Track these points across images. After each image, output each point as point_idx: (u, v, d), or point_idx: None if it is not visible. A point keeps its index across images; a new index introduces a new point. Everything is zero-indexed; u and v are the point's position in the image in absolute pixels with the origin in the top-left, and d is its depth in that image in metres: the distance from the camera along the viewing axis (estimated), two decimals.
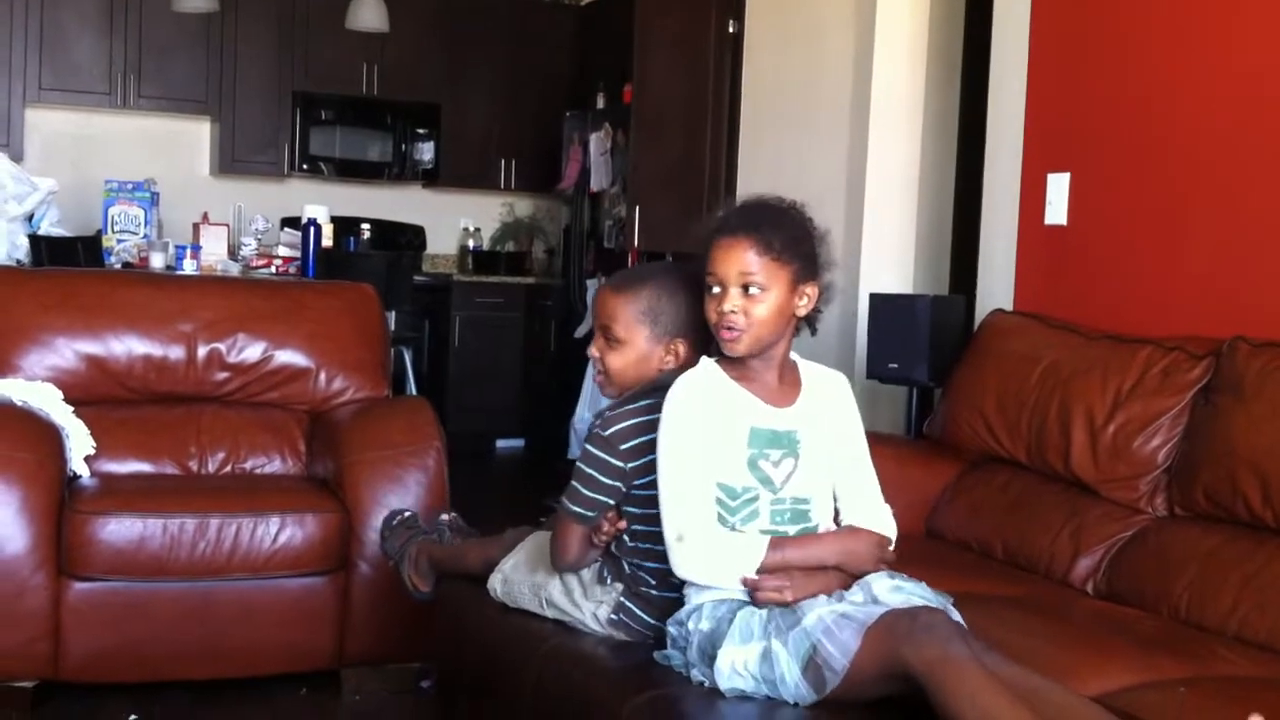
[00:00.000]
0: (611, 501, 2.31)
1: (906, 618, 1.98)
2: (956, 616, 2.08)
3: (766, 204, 2.25)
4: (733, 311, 2.15)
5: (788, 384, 2.25)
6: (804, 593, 2.11)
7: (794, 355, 2.29)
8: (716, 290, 2.18)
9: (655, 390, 2.30)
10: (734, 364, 2.22)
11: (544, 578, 2.48)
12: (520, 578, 2.54)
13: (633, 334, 2.36)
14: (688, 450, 2.17)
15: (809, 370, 2.30)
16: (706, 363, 2.24)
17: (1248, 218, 3.24)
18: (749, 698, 2.08)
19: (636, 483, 2.28)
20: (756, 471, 2.19)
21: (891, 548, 2.28)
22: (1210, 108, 3.35)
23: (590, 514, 2.32)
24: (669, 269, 2.48)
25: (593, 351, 2.42)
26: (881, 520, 2.28)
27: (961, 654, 1.90)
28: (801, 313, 2.21)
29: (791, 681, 2.03)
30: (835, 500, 2.29)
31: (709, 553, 2.15)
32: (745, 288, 2.15)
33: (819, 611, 2.05)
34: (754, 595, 2.13)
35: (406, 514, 3.04)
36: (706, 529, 2.16)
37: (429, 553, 2.87)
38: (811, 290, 2.21)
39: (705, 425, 2.18)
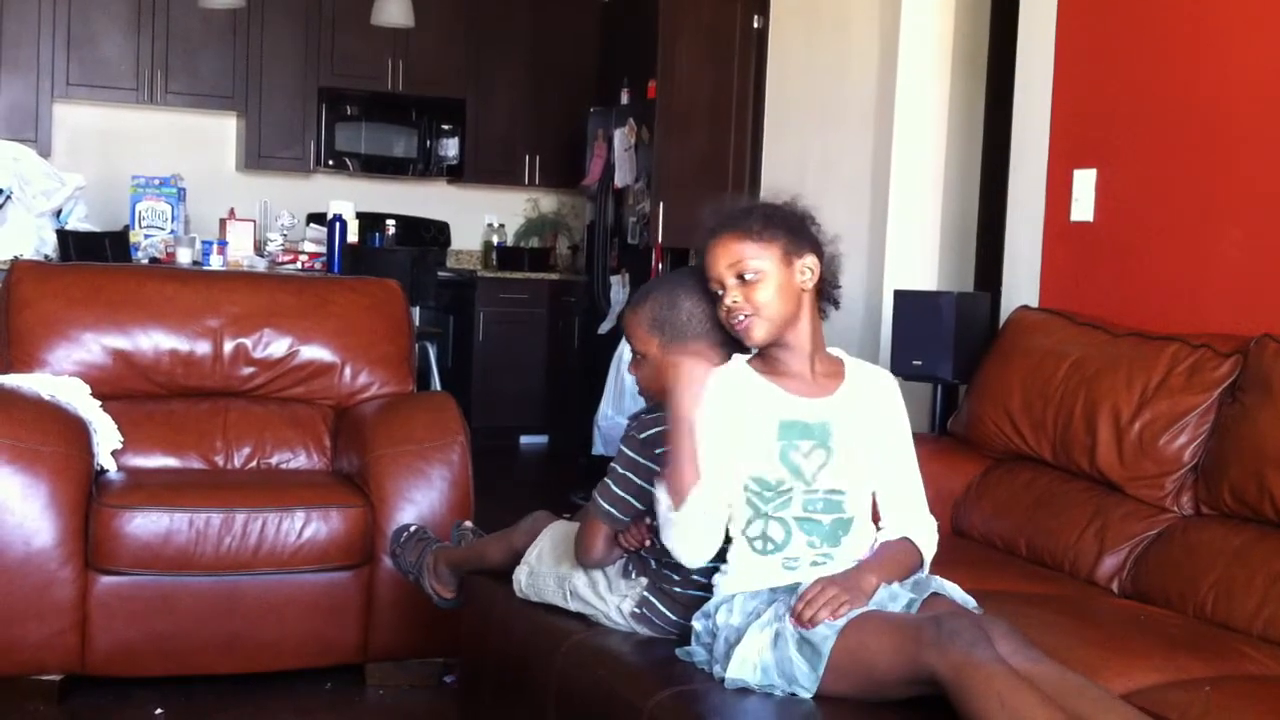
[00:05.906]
0: (641, 506, 2.32)
1: (931, 624, 1.98)
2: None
3: (735, 202, 2.32)
4: (735, 303, 2.20)
5: (825, 375, 2.25)
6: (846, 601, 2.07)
7: (839, 351, 2.30)
8: (719, 292, 2.23)
9: None
10: (763, 359, 2.24)
11: (568, 569, 2.50)
12: (546, 570, 2.55)
13: (648, 346, 2.39)
14: (702, 439, 2.18)
15: (856, 367, 2.30)
16: (737, 359, 2.26)
17: (1275, 213, 3.21)
18: (769, 694, 2.08)
19: None
20: (788, 463, 2.19)
21: (927, 563, 2.27)
22: (1237, 103, 3.32)
23: (619, 515, 2.34)
24: (669, 278, 2.53)
25: (628, 370, 2.47)
26: (915, 532, 2.27)
27: (987, 657, 1.90)
28: (808, 286, 2.23)
29: (794, 664, 2.05)
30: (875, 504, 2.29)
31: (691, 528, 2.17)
32: (740, 277, 2.20)
33: None
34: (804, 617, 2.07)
35: (413, 528, 3.05)
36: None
37: (446, 558, 2.87)
38: (811, 262, 2.23)
39: (728, 420, 2.18)
